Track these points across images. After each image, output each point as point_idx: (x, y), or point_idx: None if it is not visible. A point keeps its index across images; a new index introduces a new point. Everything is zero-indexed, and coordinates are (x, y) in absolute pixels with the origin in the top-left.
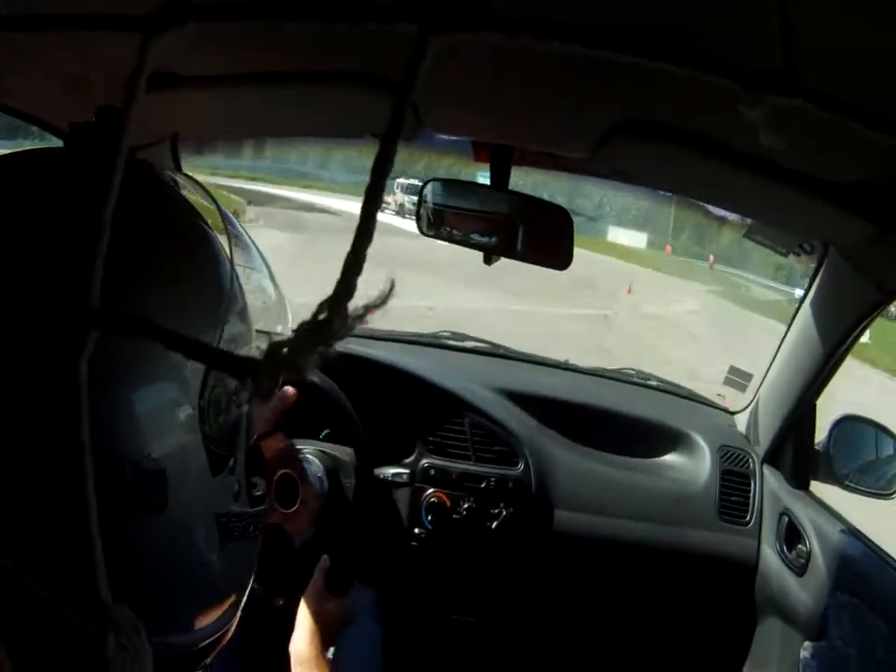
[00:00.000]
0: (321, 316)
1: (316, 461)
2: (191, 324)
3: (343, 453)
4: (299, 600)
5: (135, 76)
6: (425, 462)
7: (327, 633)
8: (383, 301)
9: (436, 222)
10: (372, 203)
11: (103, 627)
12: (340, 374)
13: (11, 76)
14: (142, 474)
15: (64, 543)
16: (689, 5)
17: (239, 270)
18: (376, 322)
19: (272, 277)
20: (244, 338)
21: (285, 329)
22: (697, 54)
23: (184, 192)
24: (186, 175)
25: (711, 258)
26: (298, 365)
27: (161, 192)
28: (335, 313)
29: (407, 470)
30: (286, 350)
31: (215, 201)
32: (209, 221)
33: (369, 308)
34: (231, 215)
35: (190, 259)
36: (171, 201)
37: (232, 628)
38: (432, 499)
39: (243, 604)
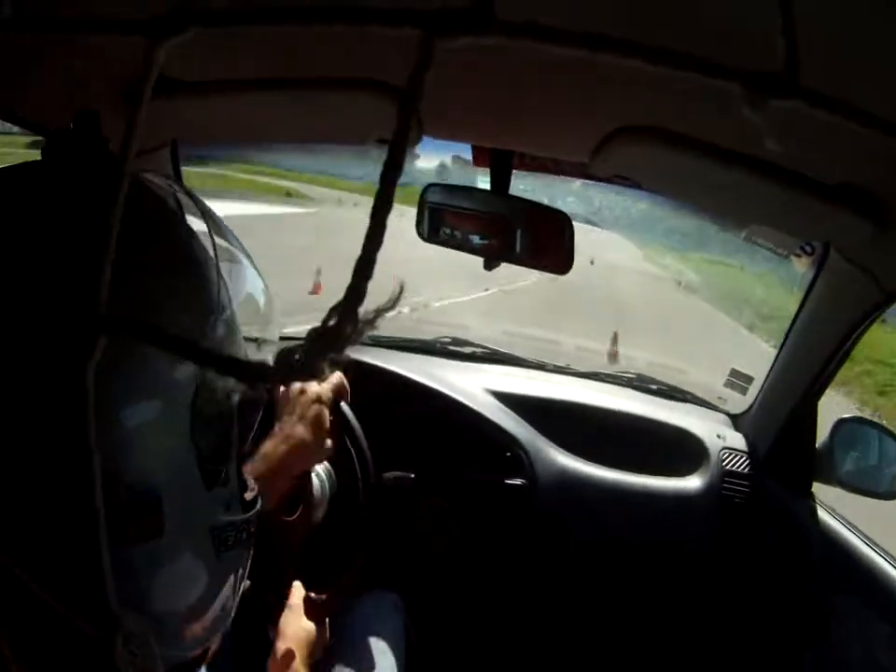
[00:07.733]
0: (332, 322)
1: (318, 467)
2: (189, 331)
3: (345, 459)
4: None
5: (142, 81)
6: (426, 468)
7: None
8: (392, 304)
9: (435, 227)
10: (383, 208)
11: (111, 634)
12: None
13: (12, 81)
14: (138, 497)
15: (73, 550)
16: (689, 7)
17: (227, 275)
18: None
19: (261, 282)
20: (231, 344)
21: (272, 335)
22: (698, 57)
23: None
24: (177, 183)
25: None
26: (309, 371)
27: (153, 205)
28: (346, 318)
29: (409, 475)
30: (297, 356)
31: (206, 210)
32: (198, 229)
33: (379, 312)
34: (222, 221)
35: (180, 269)
36: (161, 211)
37: (223, 630)
38: (434, 505)
39: (235, 608)
